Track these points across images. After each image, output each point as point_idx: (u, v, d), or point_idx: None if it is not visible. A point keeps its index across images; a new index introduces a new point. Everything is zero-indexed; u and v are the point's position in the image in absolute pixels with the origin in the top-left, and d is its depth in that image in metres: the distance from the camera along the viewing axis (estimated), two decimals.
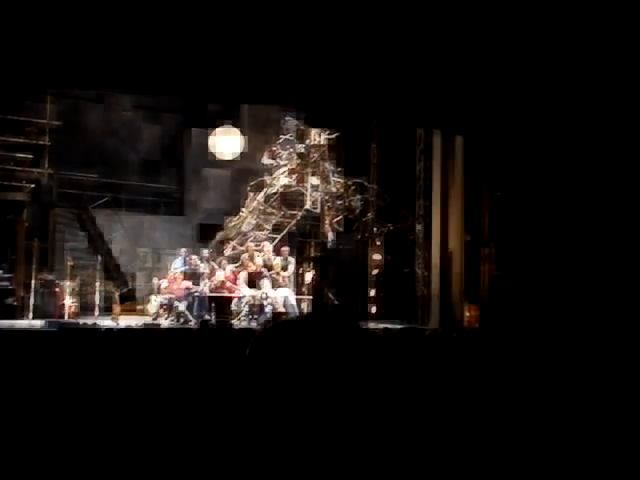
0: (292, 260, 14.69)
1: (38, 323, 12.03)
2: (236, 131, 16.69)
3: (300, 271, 15.51)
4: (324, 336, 1.39)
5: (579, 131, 10.93)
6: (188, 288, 13.80)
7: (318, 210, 16.02)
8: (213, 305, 13.80)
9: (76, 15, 8.46)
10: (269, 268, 14.23)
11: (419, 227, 15.85)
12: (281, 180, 15.76)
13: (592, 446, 2.64)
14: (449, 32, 9.26)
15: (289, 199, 16.05)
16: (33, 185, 14.83)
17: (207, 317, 13.57)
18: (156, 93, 14.92)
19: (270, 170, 15.98)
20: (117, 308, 13.84)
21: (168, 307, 13.83)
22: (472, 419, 2.97)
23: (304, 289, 15.42)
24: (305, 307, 15.12)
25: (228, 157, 16.88)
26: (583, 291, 11.13)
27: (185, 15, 8.67)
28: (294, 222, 16.02)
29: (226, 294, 13.97)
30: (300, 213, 15.97)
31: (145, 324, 12.11)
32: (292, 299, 14.07)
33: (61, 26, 8.57)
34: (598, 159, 11.05)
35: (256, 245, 15.01)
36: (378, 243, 16.59)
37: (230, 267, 14.48)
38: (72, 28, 8.61)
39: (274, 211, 15.85)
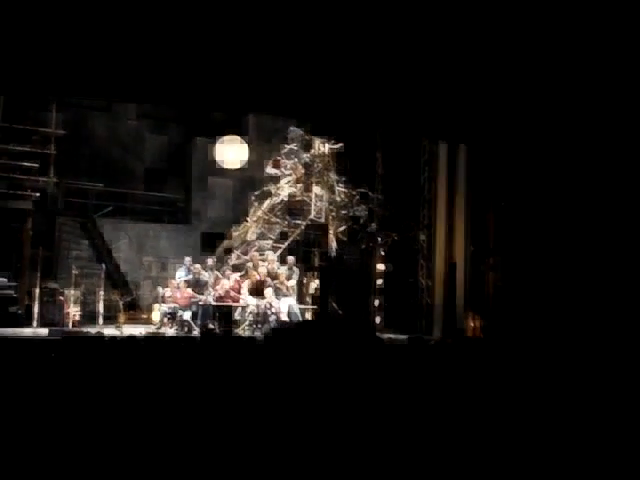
0: (296, 270, 14.68)
1: (42, 331, 12.03)
2: (241, 141, 16.74)
3: (304, 281, 15.48)
4: (332, 343, 1.40)
5: (584, 142, 10.94)
6: (192, 297, 13.81)
7: (322, 220, 16.00)
8: (217, 314, 13.79)
9: (82, 24, 8.51)
10: (273, 277, 14.23)
11: (423, 237, 15.85)
12: (285, 190, 15.76)
13: (594, 453, 2.64)
14: (454, 42, 9.28)
15: (293, 209, 16.04)
16: (38, 194, 14.85)
17: (211, 326, 13.56)
18: (161, 102, 14.97)
19: (275, 180, 15.99)
20: (121, 317, 13.85)
21: (172, 316, 13.82)
22: (477, 426, 2.97)
23: (308, 298, 15.39)
24: (309, 317, 15.08)
25: (233, 167, 16.93)
26: (588, 301, 11.11)
27: (191, 25, 8.71)
28: (298, 232, 16.02)
29: (230, 303, 13.97)
30: (304, 223, 15.97)
31: (149, 333, 12.10)
32: (296, 308, 14.06)
33: (67, 35, 8.62)
34: (603, 170, 11.05)
35: (260, 254, 15.02)
36: (382, 253, 16.56)
37: (234, 276, 14.47)
38: (78, 37, 8.66)
39: (278, 220, 15.84)
